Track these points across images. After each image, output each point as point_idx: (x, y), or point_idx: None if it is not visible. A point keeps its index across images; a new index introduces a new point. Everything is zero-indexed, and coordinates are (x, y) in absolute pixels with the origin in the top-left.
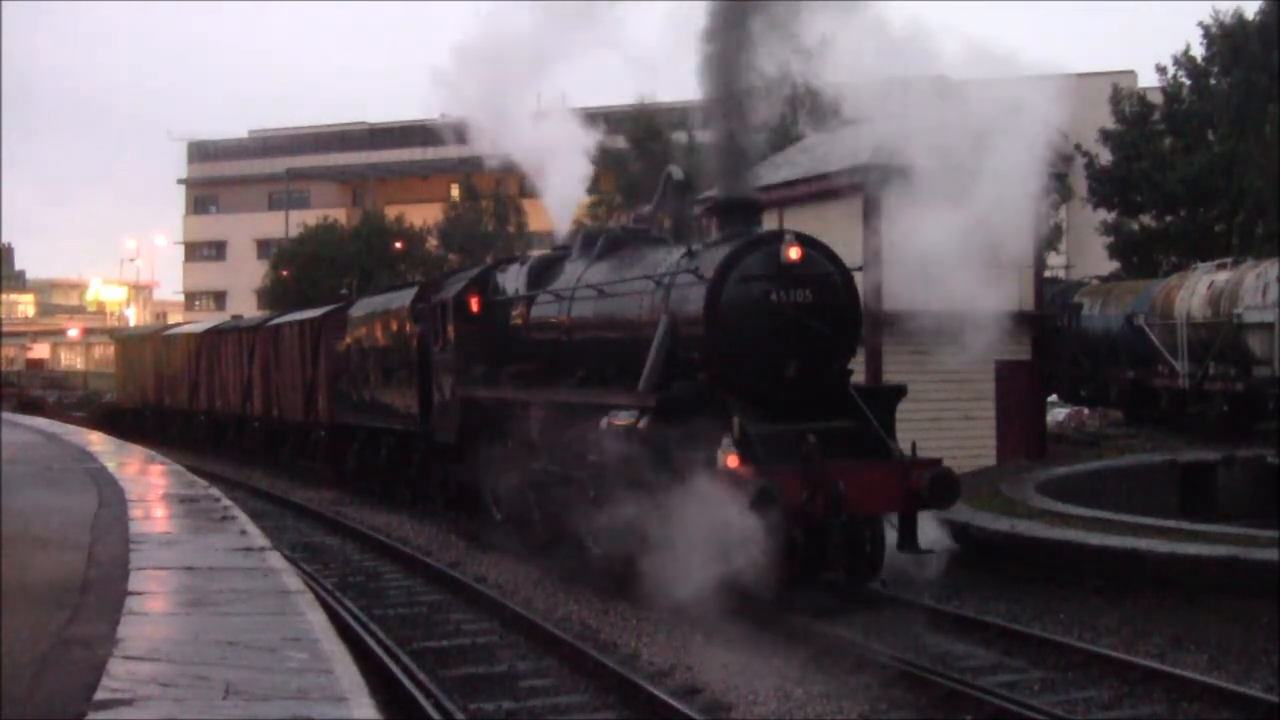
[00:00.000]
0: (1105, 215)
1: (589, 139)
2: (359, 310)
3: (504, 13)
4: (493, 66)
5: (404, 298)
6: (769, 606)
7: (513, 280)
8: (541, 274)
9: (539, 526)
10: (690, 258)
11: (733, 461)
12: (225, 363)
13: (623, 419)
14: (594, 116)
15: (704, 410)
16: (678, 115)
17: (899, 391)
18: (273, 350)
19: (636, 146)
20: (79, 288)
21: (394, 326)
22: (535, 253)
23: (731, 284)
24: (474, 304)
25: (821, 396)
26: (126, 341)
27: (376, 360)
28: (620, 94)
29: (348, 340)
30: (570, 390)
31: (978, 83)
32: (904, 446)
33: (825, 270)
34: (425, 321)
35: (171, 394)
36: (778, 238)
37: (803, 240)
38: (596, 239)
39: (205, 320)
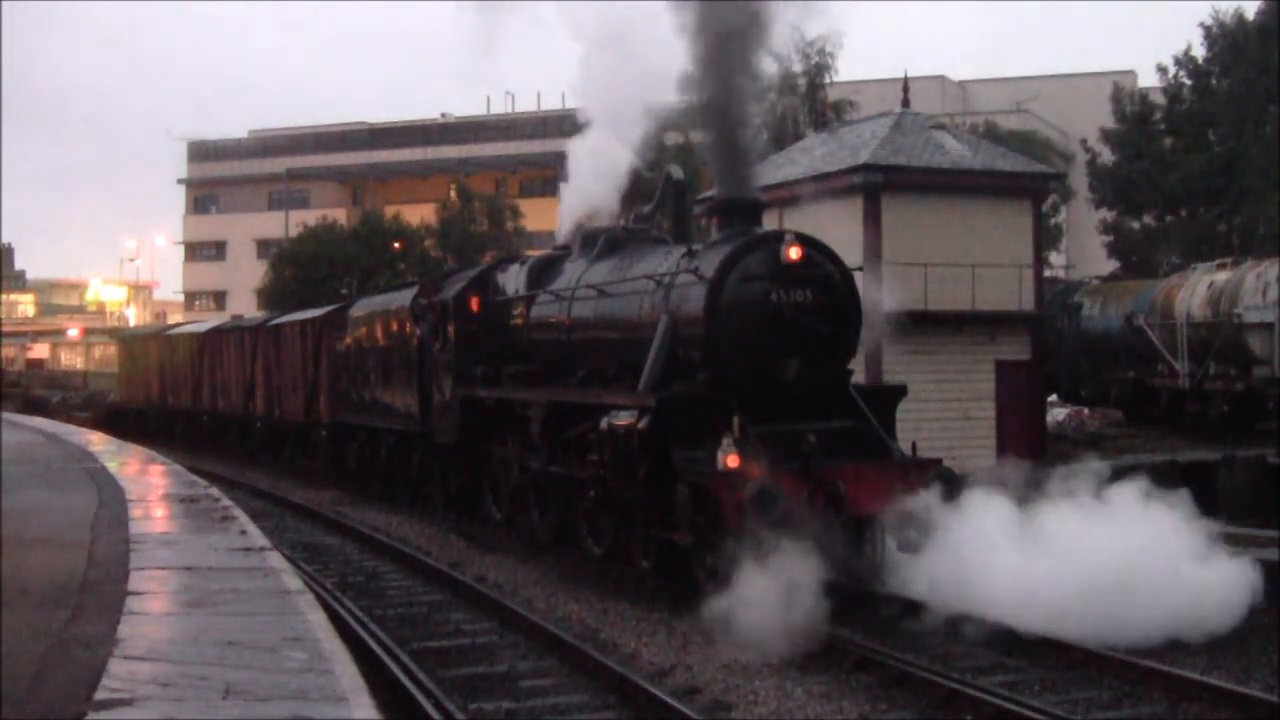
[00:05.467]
0: (1105, 215)
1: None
2: (359, 310)
3: None
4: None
5: (404, 298)
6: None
7: (513, 280)
8: (541, 274)
9: (539, 526)
10: (690, 258)
11: (733, 461)
12: (227, 363)
13: (623, 419)
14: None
15: (704, 410)
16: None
17: (899, 391)
18: (274, 350)
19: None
20: (79, 288)
21: (394, 326)
22: (534, 253)
23: (732, 284)
24: (474, 304)
25: (821, 396)
26: (128, 341)
27: (377, 360)
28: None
29: (348, 340)
30: (570, 390)
31: None
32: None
33: (825, 270)
34: (425, 321)
35: (174, 394)
36: (778, 238)
37: (803, 240)
38: (596, 239)
39: (205, 320)
